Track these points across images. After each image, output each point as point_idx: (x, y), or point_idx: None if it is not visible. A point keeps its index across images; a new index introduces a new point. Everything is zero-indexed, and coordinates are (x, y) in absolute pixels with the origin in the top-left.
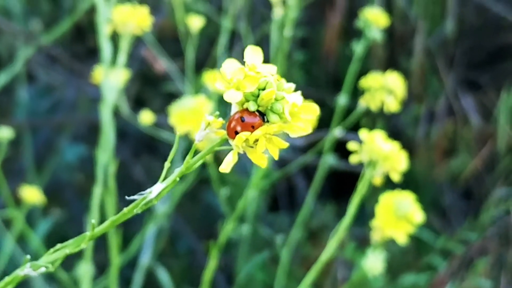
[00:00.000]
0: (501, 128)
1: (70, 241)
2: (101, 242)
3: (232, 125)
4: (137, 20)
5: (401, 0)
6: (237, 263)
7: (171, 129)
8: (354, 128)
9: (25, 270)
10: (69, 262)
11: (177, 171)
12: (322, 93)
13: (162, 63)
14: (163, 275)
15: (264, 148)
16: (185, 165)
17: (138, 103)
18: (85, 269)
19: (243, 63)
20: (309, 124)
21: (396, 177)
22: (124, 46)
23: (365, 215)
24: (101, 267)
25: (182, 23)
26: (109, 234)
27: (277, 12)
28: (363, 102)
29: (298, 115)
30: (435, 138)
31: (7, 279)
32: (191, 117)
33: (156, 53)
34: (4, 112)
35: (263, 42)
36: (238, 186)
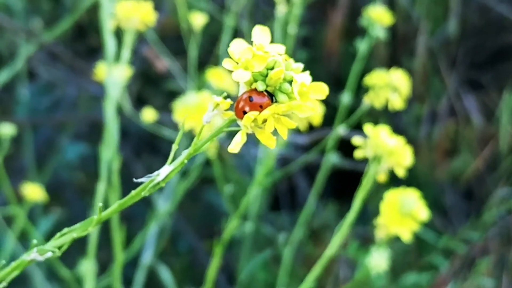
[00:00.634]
0: (503, 128)
1: (77, 225)
2: (103, 241)
3: (240, 105)
4: (141, 15)
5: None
6: (239, 262)
7: (172, 127)
8: (356, 127)
9: (32, 255)
10: (72, 259)
11: (185, 153)
12: None
13: (163, 62)
14: (165, 274)
15: (272, 128)
16: (193, 147)
17: (139, 102)
18: (88, 267)
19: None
20: (318, 104)
21: (401, 173)
22: (128, 42)
23: (367, 214)
24: (103, 265)
25: (185, 21)
26: (112, 230)
27: (280, 9)
28: (367, 100)
29: (307, 94)
30: (437, 138)
31: (13, 264)
32: (195, 114)
33: (158, 51)
34: (5, 110)
35: None
36: (240, 184)
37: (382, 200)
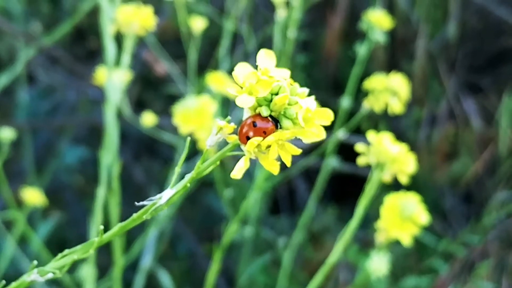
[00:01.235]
0: (503, 132)
1: (78, 247)
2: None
3: (244, 130)
4: (141, 20)
5: (403, 3)
6: (238, 265)
7: (172, 131)
8: (356, 131)
9: (32, 276)
10: (72, 264)
11: (188, 177)
12: (323, 95)
13: (163, 66)
14: (165, 278)
15: (276, 155)
16: (196, 171)
17: (139, 106)
18: (88, 272)
19: (252, 66)
20: (323, 130)
21: (404, 180)
22: (128, 46)
23: (367, 217)
24: (103, 270)
25: (185, 25)
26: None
27: (280, 13)
28: (367, 104)
29: (312, 120)
30: (436, 141)
31: (13, 284)
32: (195, 117)
33: (158, 55)
34: (5, 114)
35: (265, 44)
36: (240, 188)
37: (382, 204)
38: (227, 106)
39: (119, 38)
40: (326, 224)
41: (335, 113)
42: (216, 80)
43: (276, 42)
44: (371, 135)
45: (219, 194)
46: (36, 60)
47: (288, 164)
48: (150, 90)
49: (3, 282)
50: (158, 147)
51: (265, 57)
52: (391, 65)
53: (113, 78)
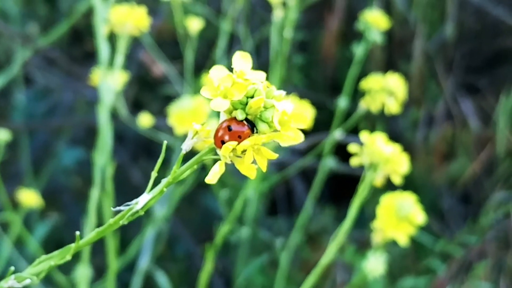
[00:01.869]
0: (500, 132)
1: (56, 253)
2: (99, 245)
3: (219, 134)
4: (135, 21)
5: (400, 3)
6: (236, 266)
7: (169, 132)
8: (353, 131)
9: (9, 282)
10: (67, 265)
11: (164, 181)
12: (320, 96)
13: (160, 67)
14: (162, 279)
15: (252, 159)
16: (172, 175)
17: (136, 107)
18: (82, 273)
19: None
20: (300, 133)
21: (397, 180)
22: (122, 47)
23: (364, 218)
24: (100, 271)
25: (181, 26)
26: (106, 237)
27: (277, 14)
28: (364, 104)
29: (288, 124)
30: (434, 142)
31: None
32: (190, 118)
33: (154, 56)
34: (1, 115)
35: (262, 45)
36: (237, 189)
37: (379, 204)
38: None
39: (115, 39)
40: (323, 224)
41: (332, 113)
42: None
43: (273, 43)
44: (364, 135)
45: (215, 195)
46: (33, 61)
47: (264, 169)
48: (147, 91)
49: None
50: (155, 148)
51: (241, 59)
52: (388, 66)
53: (108, 79)
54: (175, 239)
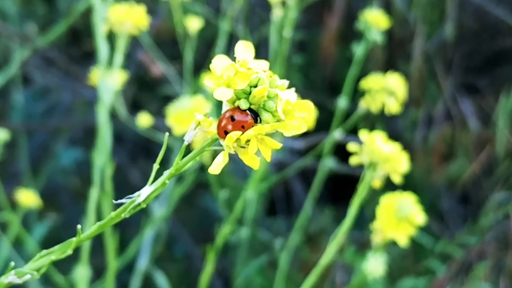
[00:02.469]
0: (500, 132)
1: (56, 247)
2: (98, 246)
3: (222, 124)
4: (134, 20)
5: (400, 3)
6: (235, 267)
7: (168, 132)
8: (352, 132)
9: (9, 277)
10: (66, 265)
11: (166, 173)
12: (319, 96)
13: (159, 66)
14: (161, 280)
15: (256, 149)
16: (175, 167)
17: (134, 107)
18: (81, 273)
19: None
20: (304, 123)
21: (397, 179)
22: (121, 46)
23: (363, 219)
24: (99, 271)
25: (180, 25)
26: (105, 237)
27: (276, 13)
28: (364, 104)
29: (292, 113)
30: (433, 142)
31: None
32: (189, 118)
33: (153, 56)
34: (0, 115)
35: (261, 45)
36: (236, 189)
37: (378, 204)
38: (221, 107)
39: (114, 39)
40: (323, 225)
41: (332, 113)
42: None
43: (272, 42)
44: (363, 134)
45: (215, 195)
46: (31, 61)
47: (268, 159)
48: (145, 91)
49: None
50: (154, 148)
51: (244, 48)
52: (388, 66)
53: (107, 79)
54: (174, 239)
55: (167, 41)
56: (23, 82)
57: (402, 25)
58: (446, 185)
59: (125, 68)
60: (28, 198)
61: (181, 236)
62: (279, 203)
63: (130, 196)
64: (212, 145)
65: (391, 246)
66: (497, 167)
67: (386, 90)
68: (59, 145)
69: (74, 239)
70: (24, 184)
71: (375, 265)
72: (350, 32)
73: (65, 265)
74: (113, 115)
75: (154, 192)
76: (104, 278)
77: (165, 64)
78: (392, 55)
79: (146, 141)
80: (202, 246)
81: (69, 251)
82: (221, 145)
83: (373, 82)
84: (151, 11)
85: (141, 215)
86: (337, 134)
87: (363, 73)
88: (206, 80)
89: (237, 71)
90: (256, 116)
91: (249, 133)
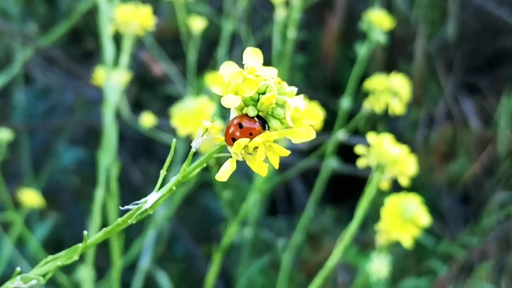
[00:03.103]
0: (501, 132)
1: (62, 253)
2: (99, 246)
3: (230, 131)
4: (140, 20)
5: (401, 3)
6: (236, 267)
7: (170, 132)
8: (353, 132)
9: (15, 283)
10: (69, 265)
11: (173, 180)
12: (320, 96)
13: (160, 66)
14: (163, 279)
15: (264, 157)
16: (182, 173)
17: (136, 106)
18: (86, 273)
19: (242, 66)
20: (312, 130)
21: (404, 182)
22: (127, 46)
23: (365, 219)
24: (101, 271)
25: (184, 25)
26: (110, 238)
27: (279, 13)
28: (367, 105)
29: (301, 120)
30: (434, 142)
31: None
32: (193, 119)
33: (156, 55)
34: (1, 115)
35: (263, 45)
36: (239, 189)
37: (381, 205)
38: (225, 108)
39: (116, 38)
40: (324, 225)
41: (334, 114)
42: (215, 80)
43: (275, 43)
44: (371, 136)
45: (218, 195)
46: (33, 60)
47: (276, 166)
48: (147, 91)
49: None
50: (155, 148)
51: (252, 55)
52: (389, 66)
53: (112, 78)
54: (175, 239)
55: (169, 41)
56: (25, 82)
57: (403, 25)
58: (447, 185)
59: (127, 67)
60: (30, 197)
61: (182, 236)
62: (280, 203)
63: (137, 202)
64: (220, 152)
65: (393, 246)
66: (499, 167)
67: (390, 91)
68: (61, 144)
69: (80, 244)
70: (25, 183)
71: (379, 266)
72: (351, 32)
73: (67, 265)
74: (116, 115)
75: (161, 199)
76: (106, 277)
77: (167, 64)
78: (393, 55)
79: (147, 141)
80: (203, 246)
81: (75, 257)
82: (229, 152)
83: (377, 82)
84: (153, 11)
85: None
86: (340, 134)
87: (364, 73)
88: (214, 87)
89: (245, 78)
90: (264, 123)
91: (257, 140)
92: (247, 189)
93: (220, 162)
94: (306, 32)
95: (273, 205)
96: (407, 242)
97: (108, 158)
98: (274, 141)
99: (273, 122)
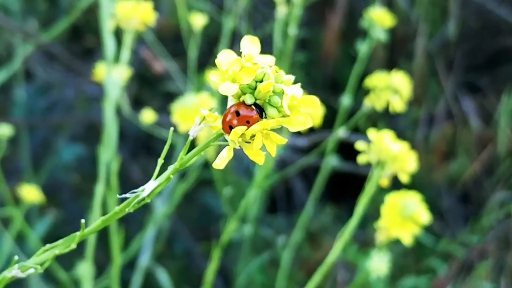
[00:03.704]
0: (502, 132)
1: (60, 241)
2: (99, 242)
3: (227, 119)
4: (141, 16)
5: (402, 2)
6: (235, 264)
7: (169, 129)
8: (353, 130)
9: (13, 271)
10: (68, 261)
11: (171, 168)
12: (320, 94)
13: (161, 63)
14: (163, 277)
15: (261, 145)
16: (179, 162)
17: (136, 103)
18: (86, 269)
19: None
20: (309, 118)
21: (404, 178)
22: (128, 42)
23: (364, 217)
24: (100, 267)
25: (185, 21)
26: (111, 233)
27: (281, 10)
28: (368, 102)
29: (298, 108)
30: (434, 141)
31: None
32: (194, 115)
33: (156, 52)
34: (2, 111)
35: (264, 42)
36: (238, 186)
37: (380, 203)
38: (226, 103)
39: (117, 35)
40: (323, 223)
41: (334, 111)
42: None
43: (276, 40)
44: (372, 133)
45: (218, 192)
46: (34, 57)
47: (273, 154)
48: (146, 88)
49: None
50: (155, 145)
51: (249, 43)
52: (389, 64)
53: (113, 75)
54: (174, 236)
55: (169, 38)
56: (25, 77)
57: (404, 24)
58: (447, 184)
59: (128, 64)
60: (30, 193)
61: (181, 233)
62: (280, 201)
63: (135, 190)
64: (217, 140)
65: (392, 244)
66: (499, 166)
67: (391, 88)
68: (61, 141)
69: (78, 233)
70: (25, 179)
71: (379, 264)
72: (351, 31)
73: (67, 261)
74: (116, 112)
75: (158, 187)
76: (105, 274)
77: (167, 60)
78: (394, 53)
79: (146, 138)
80: (202, 243)
81: (73, 245)
82: (226, 140)
83: (378, 80)
84: (153, 8)
85: (144, 212)
86: (341, 132)
87: (364, 72)
88: (211, 74)
89: (242, 66)
90: (261, 111)
91: (254, 128)
92: (247, 187)
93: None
94: (306, 30)
95: (273, 202)
96: (407, 240)
97: (108, 153)
98: (272, 129)
99: (270, 110)
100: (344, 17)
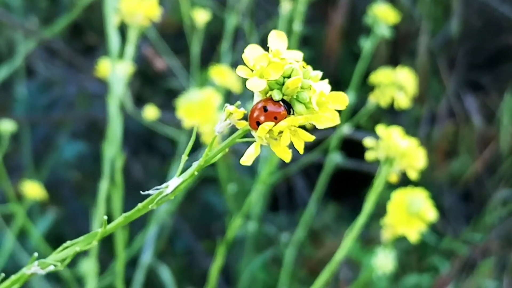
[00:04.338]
0: (504, 130)
1: (81, 238)
2: (102, 239)
3: (254, 115)
4: (146, 11)
5: (405, 0)
6: (237, 262)
7: (172, 126)
8: (356, 128)
9: (33, 268)
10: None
11: (195, 165)
12: None
13: (162, 61)
14: (165, 274)
15: (288, 141)
16: (204, 158)
17: (138, 101)
18: (90, 266)
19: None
20: (337, 115)
21: (413, 175)
22: (132, 38)
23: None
24: (102, 265)
25: (187, 18)
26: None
27: (285, 7)
28: (373, 98)
29: (326, 105)
30: (436, 139)
31: (13, 277)
32: (199, 110)
33: (158, 49)
34: (3, 108)
35: (267, 40)
36: (241, 184)
37: (384, 202)
38: (231, 99)
39: (121, 31)
40: (326, 221)
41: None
42: (219, 73)
43: None
44: (380, 129)
45: (222, 189)
46: (36, 53)
47: (301, 151)
48: (148, 86)
49: (3, 275)
50: (156, 143)
51: (277, 38)
52: (391, 62)
53: (117, 70)
54: (176, 234)
55: (171, 35)
56: (27, 74)
57: (406, 22)
58: (449, 182)
59: (131, 60)
60: (32, 190)
61: (183, 231)
62: (282, 199)
63: (158, 187)
64: (243, 137)
65: (395, 242)
66: (501, 164)
67: (396, 85)
68: (62, 138)
69: (99, 230)
70: (26, 177)
71: (384, 261)
72: (354, 29)
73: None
74: (120, 107)
75: (182, 184)
76: (108, 271)
77: (170, 57)
78: (396, 51)
79: (148, 136)
80: (203, 241)
81: (94, 243)
82: (252, 137)
83: (383, 76)
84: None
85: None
86: (345, 128)
87: (367, 69)
88: (238, 70)
89: (270, 61)
90: (289, 107)
91: (282, 124)
92: (250, 184)
93: (224, 156)
94: (309, 27)
95: (275, 201)
96: (413, 237)
97: (112, 150)
98: (299, 126)
99: (298, 107)
100: (347, 14)
